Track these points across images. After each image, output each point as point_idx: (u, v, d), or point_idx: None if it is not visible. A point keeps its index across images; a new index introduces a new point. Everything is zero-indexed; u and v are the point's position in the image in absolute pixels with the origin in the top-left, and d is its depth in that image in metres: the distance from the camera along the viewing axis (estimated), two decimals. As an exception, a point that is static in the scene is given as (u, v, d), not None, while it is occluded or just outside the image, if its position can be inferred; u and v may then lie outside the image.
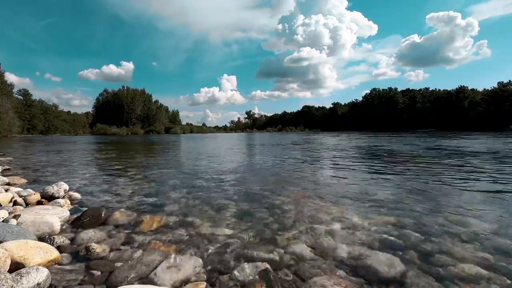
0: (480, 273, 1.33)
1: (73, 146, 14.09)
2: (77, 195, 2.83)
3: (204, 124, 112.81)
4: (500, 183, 3.44)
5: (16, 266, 1.25)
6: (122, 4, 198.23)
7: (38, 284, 1.14)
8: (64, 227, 1.94)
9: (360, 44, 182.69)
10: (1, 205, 2.28)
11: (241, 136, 32.12)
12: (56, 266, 1.39)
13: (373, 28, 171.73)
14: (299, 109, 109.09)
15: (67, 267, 1.39)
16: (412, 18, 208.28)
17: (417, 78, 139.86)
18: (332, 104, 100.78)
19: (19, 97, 59.75)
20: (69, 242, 1.70)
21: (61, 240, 1.68)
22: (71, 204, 2.55)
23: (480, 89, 63.93)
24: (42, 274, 1.18)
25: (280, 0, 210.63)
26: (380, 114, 75.65)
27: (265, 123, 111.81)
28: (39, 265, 1.30)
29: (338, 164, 5.68)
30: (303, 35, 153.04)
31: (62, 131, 67.30)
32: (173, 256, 1.48)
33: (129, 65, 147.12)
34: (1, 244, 1.35)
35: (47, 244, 1.51)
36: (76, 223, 2.01)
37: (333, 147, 10.92)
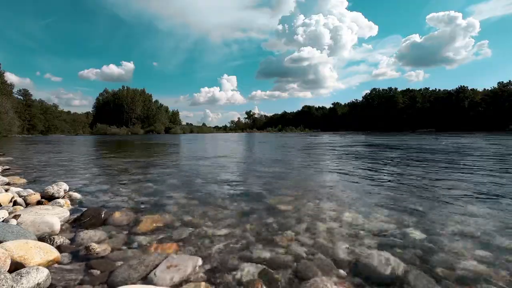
0: (480, 273, 1.33)
1: (73, 146, 14.08)
2: (77, 195, 2.83)
3: (204, 124, 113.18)
4: (500, 182, 3.44)
5: (16, 266, 1.25)
6: (122, 4, 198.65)
7: (38, 284, 1.14)
8: (64, 227, 1.94)
9: (360, 44, 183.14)
10: (1, 205, 2.28)
11: (241, 137, 32.07)
12: (56, 266, 1.39)
13: (373, 29, 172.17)
14: (299, 109, 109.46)
15: (67, 267, 1.39)
16: (412, 18, 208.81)
17: (417, 78, 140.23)
18: (332, 104, 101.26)
19: (19, 97, 59.98)
20: (69, 242, 1.70)
21: (61, 240, 1.68)
22: (71, 204, 2.55)
23: (480, 89, 64.04)
24: (42, 274, 1.18)
25: (280, 0, 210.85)
26: (380, 114, 75.69)
27: (265, 123, 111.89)
28: (39, 265, 1.30)
29: (337, 164, 5.68)
30: (303, 35, 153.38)
31: (62, 131, 67.37)
32: (173, 256, 1.48)
33: (130, 65, 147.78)
34: (1, 244, 1.35)
35: (47, 244, 1.51)
36: (76, 223, 2.01)
37: (336, 148, 10.91)
